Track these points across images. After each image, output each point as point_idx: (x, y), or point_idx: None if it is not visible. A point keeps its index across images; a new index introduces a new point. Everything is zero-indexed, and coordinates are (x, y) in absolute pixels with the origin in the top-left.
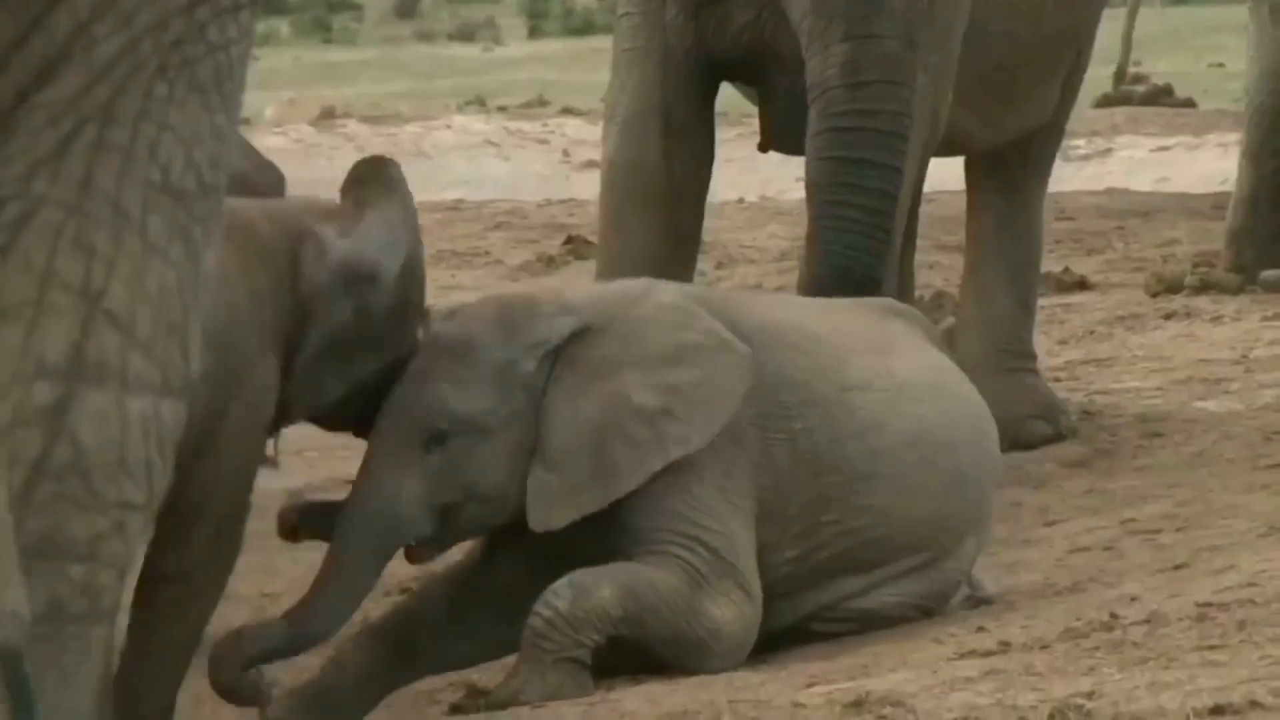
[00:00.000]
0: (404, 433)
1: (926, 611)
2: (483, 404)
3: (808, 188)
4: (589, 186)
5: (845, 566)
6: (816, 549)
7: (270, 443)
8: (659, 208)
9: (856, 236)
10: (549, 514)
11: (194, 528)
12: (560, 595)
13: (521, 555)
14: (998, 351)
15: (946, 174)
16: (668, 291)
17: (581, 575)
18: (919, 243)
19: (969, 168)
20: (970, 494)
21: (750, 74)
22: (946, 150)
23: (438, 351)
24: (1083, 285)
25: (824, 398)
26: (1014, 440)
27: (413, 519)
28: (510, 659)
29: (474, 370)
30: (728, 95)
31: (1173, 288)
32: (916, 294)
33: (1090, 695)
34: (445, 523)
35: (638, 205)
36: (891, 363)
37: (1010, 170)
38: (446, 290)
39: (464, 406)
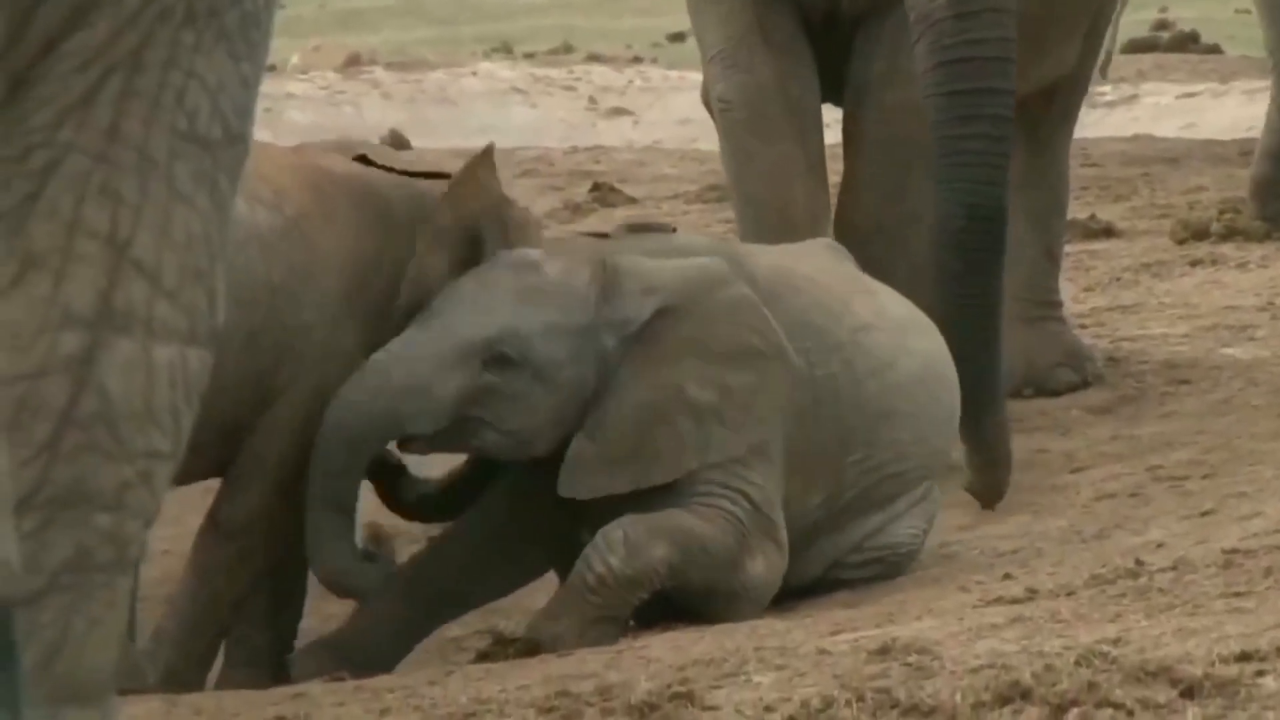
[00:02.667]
0: (471, 333)
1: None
2: (557, 356)
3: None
4: (615, 133)
5: (867, 504)
6: (842, 490)
7: None
8: (786, 135)
9: (980, 169)
10: (579, 482)
11: (254, 480)
12: (614, 550)
13: (548, 496)
14: (1024, 300)
15: None
16: (736, 283)
17: (635, 528)
18: None
19: None
20: (955, 421)
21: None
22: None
23: (535, 284)
24: (1109, 232)
25: (840, 341)
26: (1040, 387)
27: (428, 411)
28: (530, 599)
29: (563, 322)
30: None
31: (1199, 234)
32: None
33: (1116, 642)
34: (456, 431)
35: (765, 132)
36: (881, 302)
37: (1036, 121)
38: None
39: (541, 350)
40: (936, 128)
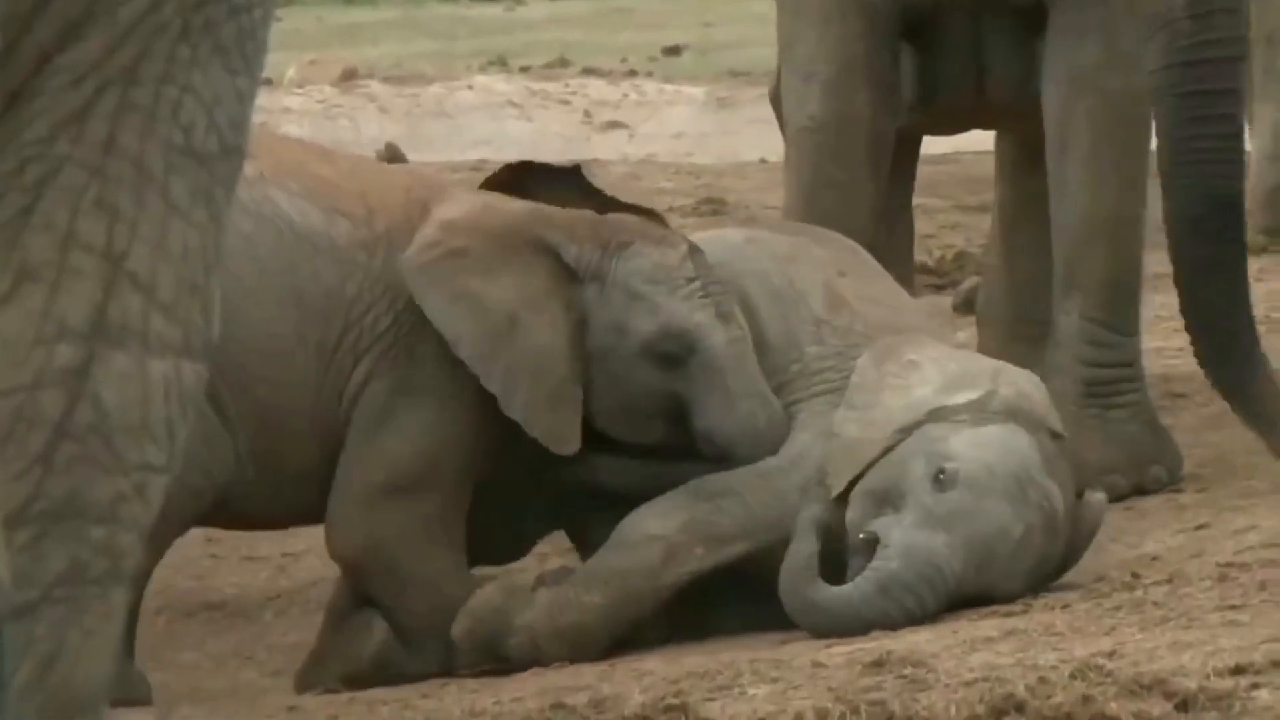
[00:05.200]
0: None
1: None
2: None
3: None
4: (610, 147)
5: None
6: None
7: None
8: (870, 164)
9: (1214, 165)
10: None
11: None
12: None
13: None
14: (1025, 320)
15: (968, 135)
16: None
17: None
18: (940, 203)
19: (998, 140)
20: None
21: (918, 28)
22: (975, 124)
23: None
24: None
25: None
26: None
27: None
28: None
29: None
30: (750, 56)
31: None
32: (938, 254)
33: (1111, 655)
34: None
35: (849, 162)
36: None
37: (1036, 145)
38: None
39: None
40: (1169, 128)
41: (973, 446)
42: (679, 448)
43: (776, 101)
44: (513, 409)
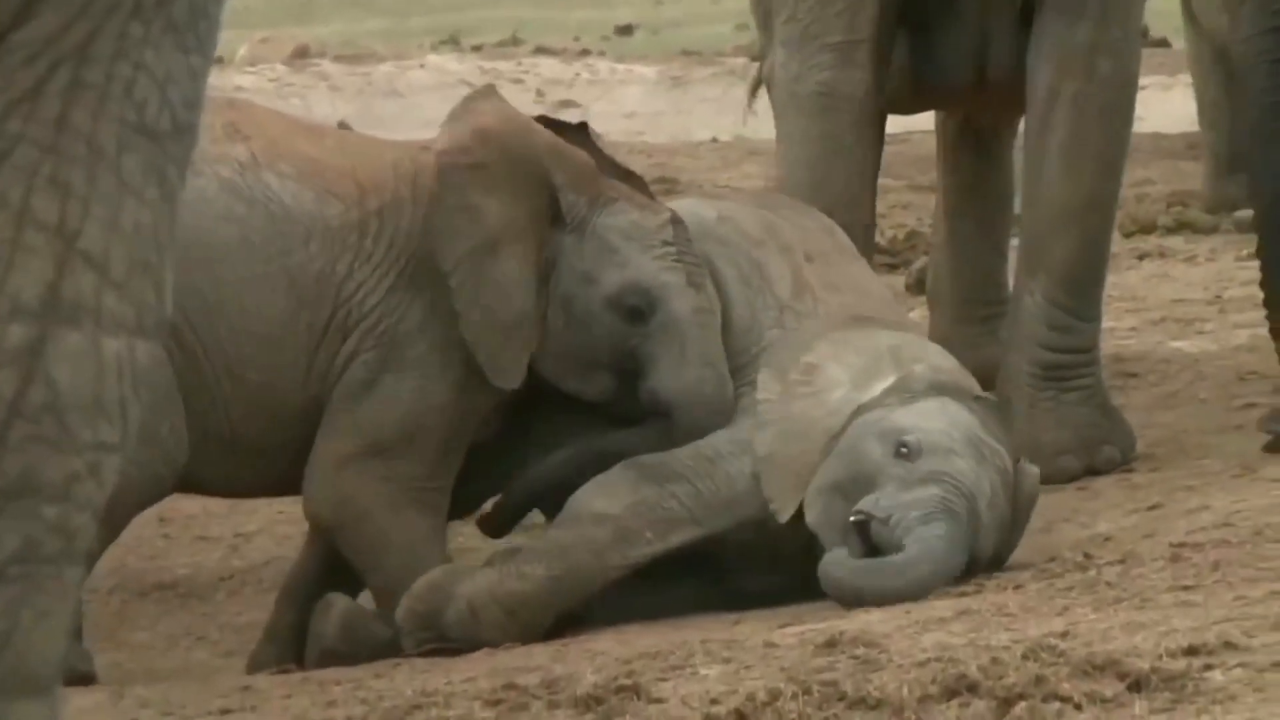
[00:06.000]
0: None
1: None
2: None
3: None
4: None
5: None
6: None
7: None
8: (867, 133)
9: None
10: None
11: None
12: None
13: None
14: (972, 301)
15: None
16: None
17: None
18: (892, 183)
19: (940, 125)
20: None
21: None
22: (920, 106)
23: None
24: None
25: None
26: (990, 384)
27: None
28: None
29: None
30: (702, 35)
31: (1146, 228)
32: (890, 233)
33: (1064, 635)
34: None
35: (849, 127)
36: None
37: (984, 129)
38: None
39: None
40: (1261, 94)
41: (920, 418)
42: (620, 416)
43: (769, 80)
44: (466, 327)
